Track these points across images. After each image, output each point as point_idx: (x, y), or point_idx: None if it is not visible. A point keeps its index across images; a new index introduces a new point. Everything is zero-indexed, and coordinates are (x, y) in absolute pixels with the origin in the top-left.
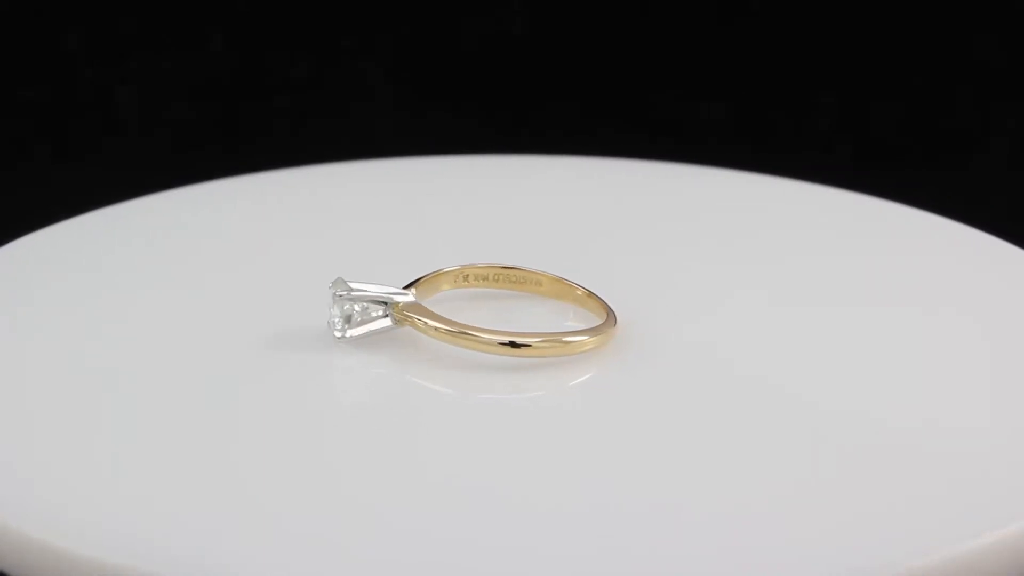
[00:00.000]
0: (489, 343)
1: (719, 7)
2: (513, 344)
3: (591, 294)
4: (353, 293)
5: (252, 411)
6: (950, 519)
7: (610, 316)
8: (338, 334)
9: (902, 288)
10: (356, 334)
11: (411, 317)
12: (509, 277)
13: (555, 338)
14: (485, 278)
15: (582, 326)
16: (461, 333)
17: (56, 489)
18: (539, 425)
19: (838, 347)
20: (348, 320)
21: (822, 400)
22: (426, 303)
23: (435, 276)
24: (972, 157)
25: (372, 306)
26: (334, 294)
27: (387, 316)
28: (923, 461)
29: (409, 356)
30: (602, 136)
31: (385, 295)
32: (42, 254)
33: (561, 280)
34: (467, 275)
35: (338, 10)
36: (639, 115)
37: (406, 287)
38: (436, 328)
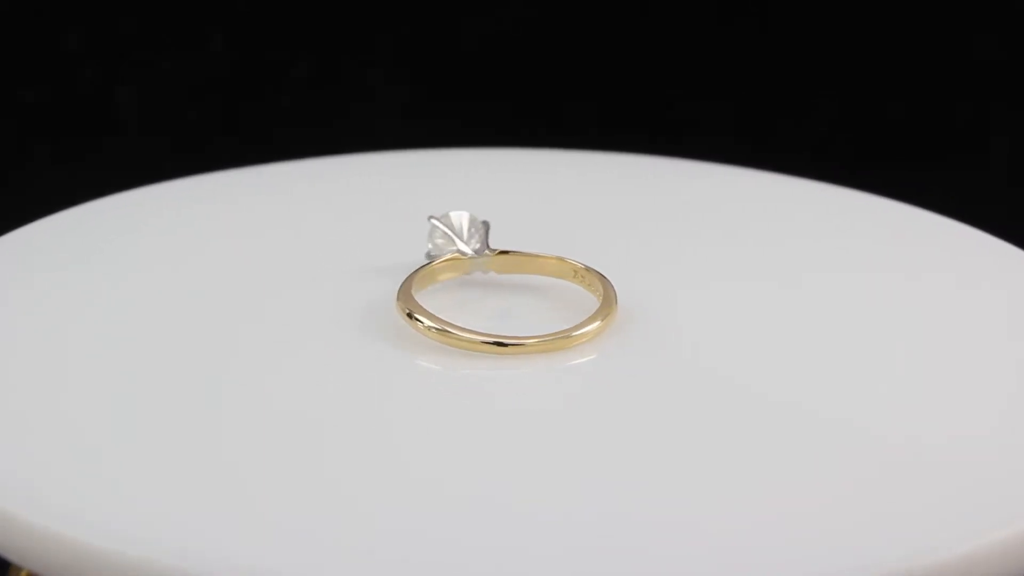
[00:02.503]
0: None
1: (719, 7)
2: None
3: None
4: (436, 222)
5: (248, 401)
6: (953, 520)
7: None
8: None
9: (907, 285)
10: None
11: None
12: (606, 299)
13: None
14: (590, 285)
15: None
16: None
17: (54, 477)
18: (530, 414)
19: (839, 344)
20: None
21: (824, 400)
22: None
23: (551, 260)
24: (972, 157)
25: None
26: (433, 217)
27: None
28: (926, 460)
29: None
30: (601, 135)
31: (458, 240)
32: (38, 244)
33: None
34: (577, 272)
35: (338, 10)
36: (638, 115)
37: (496, 249)
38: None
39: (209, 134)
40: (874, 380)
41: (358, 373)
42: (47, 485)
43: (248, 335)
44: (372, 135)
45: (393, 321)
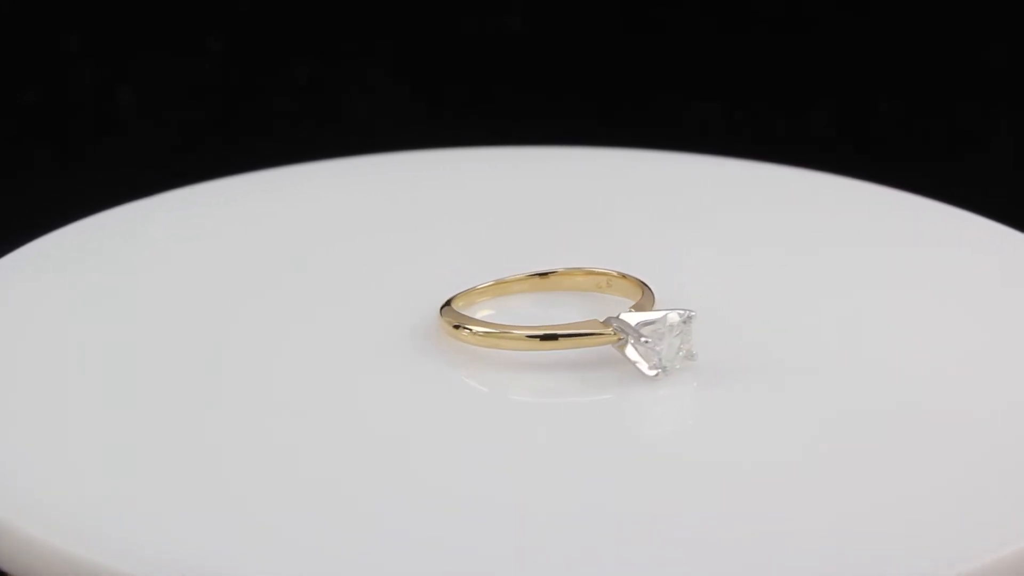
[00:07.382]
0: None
1: (721, 13)
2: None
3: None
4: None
5: (258, 412)
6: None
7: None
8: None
9: (922, 277)
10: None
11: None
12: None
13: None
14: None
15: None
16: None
17: (52, 489)
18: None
19: (864, 336)
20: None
21: (868, 389)
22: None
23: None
24: (972, 158)
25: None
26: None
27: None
28: (946, 449)
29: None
30: (600, 135)
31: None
32: (55, 254)
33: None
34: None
35: (339, 10)
36: (637, 116)
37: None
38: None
39: (210, 135)
40: (908, 370)
41: (392, 387)
42: (44, 496)
43: (261, 345)
44: (373, 135)
45: (412, 330)
